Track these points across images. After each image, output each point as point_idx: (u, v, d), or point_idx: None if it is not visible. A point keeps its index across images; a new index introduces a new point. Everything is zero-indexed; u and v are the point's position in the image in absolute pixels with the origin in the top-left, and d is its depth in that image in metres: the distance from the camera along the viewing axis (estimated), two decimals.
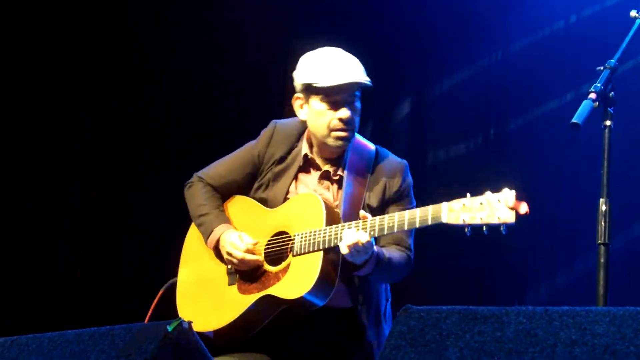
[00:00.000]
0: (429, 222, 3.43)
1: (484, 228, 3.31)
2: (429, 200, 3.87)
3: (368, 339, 3.85)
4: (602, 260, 3.33)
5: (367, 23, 6.68)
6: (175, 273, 4.13)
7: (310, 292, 3.63)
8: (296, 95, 3.90)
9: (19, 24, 6.52)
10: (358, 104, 3.86)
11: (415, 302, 2.79)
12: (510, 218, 3.25)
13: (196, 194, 4.05)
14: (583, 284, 5.48)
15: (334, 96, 3.78)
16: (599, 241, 3.35)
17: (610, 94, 3.46)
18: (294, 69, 3.90)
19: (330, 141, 3.82)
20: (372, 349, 3.85)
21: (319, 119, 3.81)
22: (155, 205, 6.62)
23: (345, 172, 3.87)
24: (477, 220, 3.31)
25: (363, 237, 3.53)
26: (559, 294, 5.70)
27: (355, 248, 3.55)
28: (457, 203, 3.38)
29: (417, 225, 3.48)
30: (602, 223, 3.36)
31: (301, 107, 3.89)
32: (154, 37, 6.78)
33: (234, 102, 6.72)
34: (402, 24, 6.58)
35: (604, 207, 3.36)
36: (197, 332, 3.74)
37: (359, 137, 3.97)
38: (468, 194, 3.39)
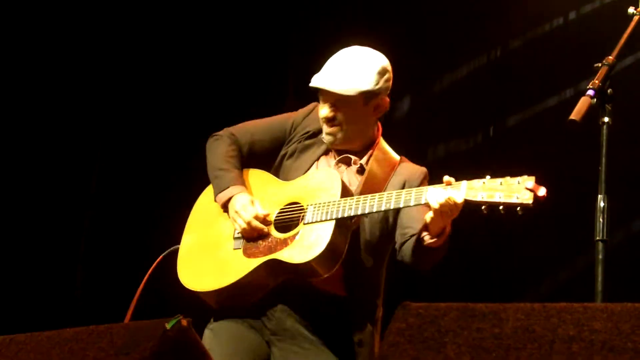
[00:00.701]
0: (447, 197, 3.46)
1: (501, 207, 3.36)
2: None
3: (351, 335, 3.85)
4: (600, 256, 3.33)
5: (366, 20, 6.68)
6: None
7: (318, 258, 3.65)
8: None
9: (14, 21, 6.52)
10: (347, 108, 3.87)
11: (414, 298, 2.80)
12: (528, 199, 3.32)
13: (221, 147, 4.06)
14: (582, 280, 5.48)
15: (320, 95, 3.90)
16: (597, 237, 3.35)
17: (609, 91, 3.46)
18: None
19: (325, 137, 3.94)
20: (353, 347, 3.85)
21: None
22: (156, 201, 6.63)
23: (369, 164, 3.92)
24: (495, 199, 3.36)
25: (459, 196, 3.47)
26: (558, 291, 5.71)
27: (449, 201, 3.49)
28: (476, 182, 3.45)
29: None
30: (600, 219, 3.36)
31: None
32: (150, 32, 6.78)
33: (234, 94, 6.73)
34: (402, 20, 6.58)
35: (602, 204, 3.36)
36: (195, 292, 3.88)
37: (385, 145, 4.03)
38: (488, 176, 3.45)
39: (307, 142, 4.01)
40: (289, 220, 3.85)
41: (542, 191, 3.34)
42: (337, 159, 3.98)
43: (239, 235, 3.92)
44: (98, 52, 6.72)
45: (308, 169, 3.98)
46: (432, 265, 3.84)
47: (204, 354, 3.03)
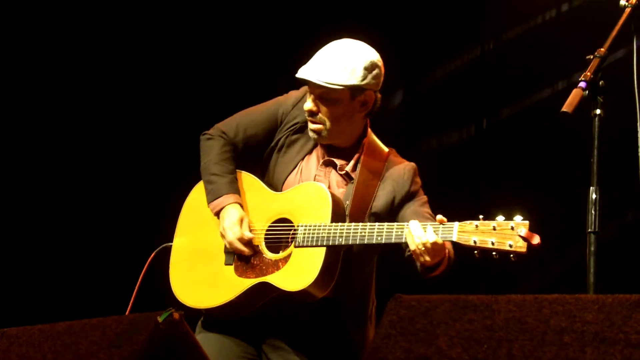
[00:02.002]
0: (439, 240, 3.47)
1: (494, 253, 3.36)
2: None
3: (347, 337, 3.86)
4: (592, 248, 3.33)
5: (359, 13, 6.67)
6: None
7: (311, 286, 3.65)
8: None
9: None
10: (332, 103, 3.80)
11: (406, 290, 2.80)
12: (522, 248, 3.33)
13: (214, 150, 4.00)
14: (574, 272, 5.49)
15: (305, 89, 3.86)
16: (589, 229, 3.35)
17: (600, 83, 3.46)
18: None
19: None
20: (351, 348, 3.85)
21: None
22: (148, 194, 6.62)
23: (358, 170, 3.87)
24: (487, 245, 3.37)
25: (431, 238, 3.46)
26: (550, 283, 5.71)
27: (423, 248, 3.48)
28: (469, 224, 3.43)
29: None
30: (592, 211, 3.36)
31: None
32: (145, 28, 6.77)
33: (226, 89, 6.72)
34: (395, 13, 6.58)
35: (593, 196, 3.36)
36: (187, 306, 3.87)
37: (374, 139, 3.98)
38: (481, 217, 3.44)
39: (294, 136, 3.95)
40: (278, 240, 3.83)
41: (536, 240, 3.34)
42: (322, 161, 3.92)
43: (230, 249, 3.90)
44: (90, 51, 6.70)
45: (294, 168, 3.93)
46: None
47: (195, 347, 3.03)
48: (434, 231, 3.49)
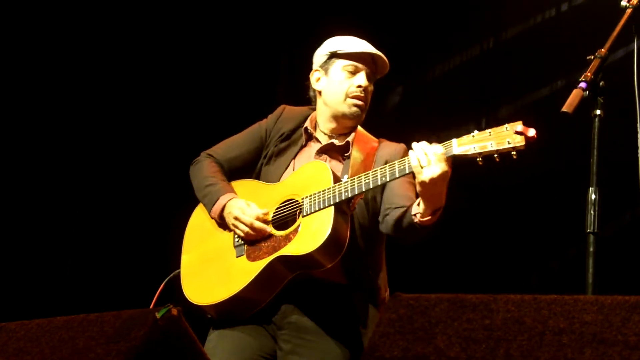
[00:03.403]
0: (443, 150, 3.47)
1: (495, 155, 3.40)
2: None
3: (356, 320, 3.86)
4: (591, 249, 3.33)
5: (359, 10, 6.68)
6: (175, 265, 4.12)
7: (323, 246, 3.62)
8: (315, 69, 4.06)
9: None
10: (372, 86, 4.01)
11: (405, 289, 2.80)
12: (520, 141, 3.36)
13: (203, 168, 4.09)
14: (573, 272, 5.49)
15: (354, 64, 3.96)
16: (588, 230, 3.35)
17: (601, 83, 3.47)
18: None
19: (345, 108, 3.96)
20: (359, 331, 3.85)
21: (338, 85, 3.97)
22: (146, 191, 6.62)
23: (352, 150, 3.96)
24: (488, 148, 3.40)
25: (438, 149, 3.49)
26: (549, 283, 5.72)
27: (427, 154, 3.48)
28: (466, 136, 3.48)
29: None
30: (592, 212, 3.36)
31: (317, 80, 4.05)
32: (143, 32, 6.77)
33: (225, 91, 6.73)
34: (395, 11, 6.57)
35: (593, 196, 3.37)
36: (202, 307, 3.85)
37: (363, 130, 4.07)
38: (475, 130, 3.49)
39: (282, 144, 4.05)
40: (287, 217, 3.85)
41: (531, 132, 3.37)
42: (317, 149, 4.01)
43: (239, 242, 3.91)
44: (92, 47, 6.70)
45: (287, 168, 4.00)
46: (415, 242, 3.79)
47: (194, 343, 3.03)
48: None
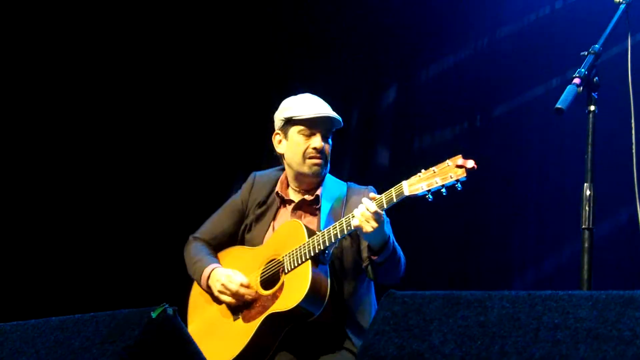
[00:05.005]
0: (395, 200, 3.78)
1: (443, 190, 3.66)
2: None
3: (350, 346, 4.10)
4: (586, 244, 3.35)
5: (354, 10, 6.68)
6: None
7: (305, 298, 3.91)
8: (275, 132, 4.33)
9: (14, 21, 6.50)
10: (330, 142, 4.27)
11: (400, 287, 2.80)
12: (462, 173, 3.61)
13: (190, 250, 4.44)
14: (569, 269, 5.49)
15: (309, 128, 4.22)
16: (583, 226, 3.36)
17: (594, 79, 3.47)
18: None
19: (306, 168, 4.24)
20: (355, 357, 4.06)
21: (296, 148, 4.24)
22: (139, 189, 6.62)
23: (321, 202, 4.25)
24: (435, 185, 3.67)
25: (371, 206, 3.80)
26: (545, 280, 5.72)
27: (364, 217, 3.80)
28: (414, 177, 3.75)
29: (386, 206, 3.81)
30: (587, 208, 3.37)
31: (279, 142, 4.32)
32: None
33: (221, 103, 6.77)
34: (389, 10, 6.57)
35: (588, 192, 3.38)
36: None
37: (333, 178, 4.36)
38: (422, 169, 3.73)
39: (259, 210, 4.35)
40: (272, 277, 4.14)
41: (470, 163, 3.60)
42: (291, 208, 4.30)
43: (234, 305, 4.20)
44: (94, 54, 6.70)
45: (267, 231, 4.29)
46: (396, 278, 4.07)
47: (189, 342, 3.02)
48: (376, 202, 3.84)
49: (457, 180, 3.62)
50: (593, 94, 3.47)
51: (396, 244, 4.01)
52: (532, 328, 2.47)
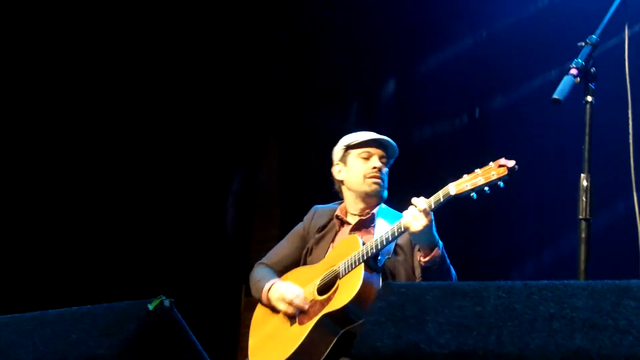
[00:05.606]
0: (442, 200, 3.92)
1: (486, 188, 3.80)
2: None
3: None
4: (583, 235, 3.34)
5: (352, 3, 6.68)
6: None
7: (355, 299, 4.03)
8: (335, 164, 4.58)
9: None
10: (386, 169, 4.48)
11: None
12: (503, 172, 3.74)
13: (255, 274, 4.64)
14: (567, 259, 5.49)
15: (367, 150, 4.47)
16: (580, 216, 3.36)
17: (592, 70, 3.46)
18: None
19: (366, 187, 4.44)
20: None
21: (355, 171, 4.48)
22: (142, 183, 6.63)
23: (376, 222, 4.41)
24: (479, 184, 3.80)
25: (420, 204, 3.95)
26: (544, 270, 5.72)
27: (413, 214, 3.94)
28: (460, 180, 3.86)
29: (434, 206, 3.95)
30: (584, 198, 3.37)
31: (339, 172, 4.56)
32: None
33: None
34: (388, 3, 6.57)
35: (585, 183, 3.37)
36: None
37: (387, 207, 4.49)
38: (465, 175, 3.85)
39: (319, 234, 4.55)
40: (329, 284, 4.26)
41: (511, 163, 3.73)
42: (349, 228, 4.47)
43: (291, 314, 4.35)
44: (95, 54, 6.70)
45: (326, 252, 4.45)
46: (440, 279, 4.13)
47: (186, 334, 3.03)
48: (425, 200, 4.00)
49: (499, 179, 3.76)
50: (590, 84, 3.46)
51: (447, 256, 4.13)
52: (528, 318, 2.47)
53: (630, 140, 3.56)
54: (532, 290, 2.53)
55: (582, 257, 3.32)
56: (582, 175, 3.39)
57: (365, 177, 4.44)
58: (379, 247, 4.10)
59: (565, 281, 2.53)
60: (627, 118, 3.61)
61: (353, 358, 2.67)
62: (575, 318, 2.41)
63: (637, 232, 3.56)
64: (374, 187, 4.44)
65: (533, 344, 2.41)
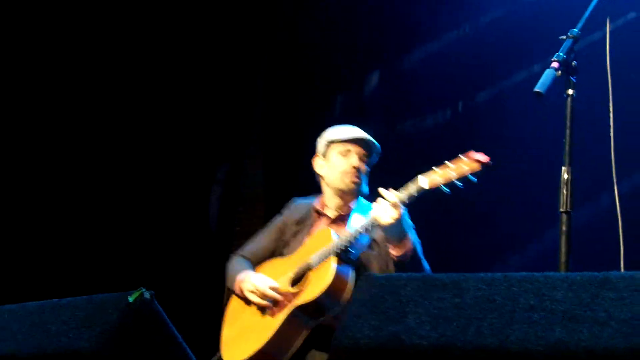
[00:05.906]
0: (415, 194, 3.93)
1: (458, 182, 3.81)
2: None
3: None
4: (564, 228, 3.35)
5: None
6: None
7: (327, 291, 4.07)
8: (316, 155, 4.60)
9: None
10: (367, 167, 4.50)
11: None
12: (476, 166, 3.76)
13: (230, 265, 4.66)
14: (549, 252, 5.49)
15: (347, 148, 4.48)
16: (561, 209, 3.37)
17: (573, 63, 3.47)
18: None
19: (343, 185, 4.47)
20: None
21: (335, 167, 4.49)
22: (125, 176, 6.62)
23: (351, 217, 4.45)
24: (452, 178, 3.80)
25: (388, 196, 3.98)
26: (525, 263, 5.73)
27: (382, 207, 3.98)
28: (432, 172, 3.89)
29: (407, 201, 3.97)
30: (565, 191, 3.38)
31: (321, 166, 4.58)
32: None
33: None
34: None
35: (566, 176, 3.38)
36: None
37: (365, 201, 4.51)
38: (437, 167, 3.87)
39: (296, 227, 4.59)
40: (302, 276, 4.28)
41: (485, 158, 3.76)
42: (327, 222, 4.50)
43: (264, 306, 4.36)
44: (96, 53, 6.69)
45: (302, 243, 4.47)
46: (413, 270, 4.14)
47: (167, 327, 3.03)
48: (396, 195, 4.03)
49: (471, 172, 3.77)
50: (571, 77, 3.47)
51: (421, 254, 4.20)
52: (508, 310, 2.47)
53: (612, 134, 3.58)
54: (511, 282, 2.53)
55: (563, 249, 3.33)
56: (564, 168, 3.39)
57: (343, 174, 4.48)
58: (351, 240, 4.14)
59: (545, 273, 2.53)
60: (608, 111, 3.62)
61: (333, 350, 2.67)
62: (555, 310, 2.41)
63: (618, 225, 3.58)
64: (351, 186, 4.47)
65: (513, 335, 2.41)
